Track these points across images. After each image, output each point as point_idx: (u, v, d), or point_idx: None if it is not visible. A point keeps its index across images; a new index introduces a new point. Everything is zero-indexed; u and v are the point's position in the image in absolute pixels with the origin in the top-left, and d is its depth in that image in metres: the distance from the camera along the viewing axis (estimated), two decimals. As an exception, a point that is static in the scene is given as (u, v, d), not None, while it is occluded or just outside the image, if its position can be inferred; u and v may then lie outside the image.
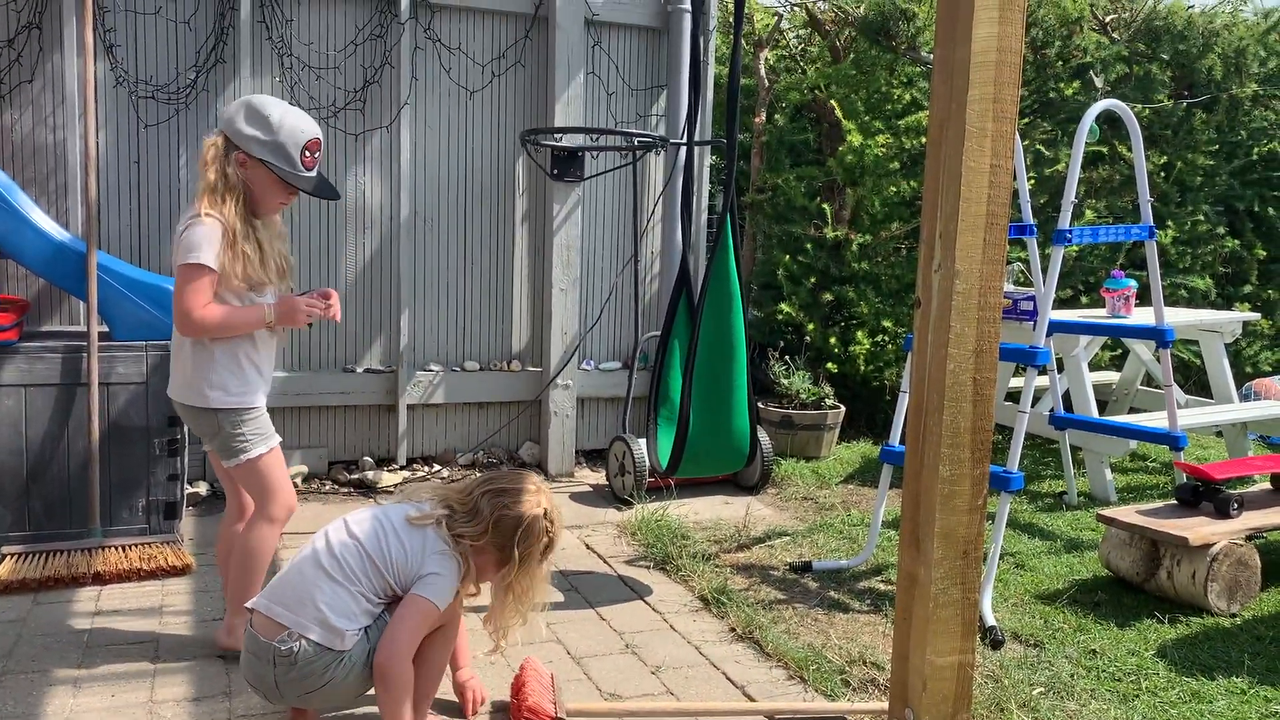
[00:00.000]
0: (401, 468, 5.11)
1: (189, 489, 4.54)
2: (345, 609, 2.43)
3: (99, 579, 3.60)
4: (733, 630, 3.40)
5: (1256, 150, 7.02)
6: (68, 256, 3.87)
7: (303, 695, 2.48)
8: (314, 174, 2.97)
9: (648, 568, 4.00)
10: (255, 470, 2.97)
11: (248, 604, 2.58)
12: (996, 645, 3.30)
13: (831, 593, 3.76)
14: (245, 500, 3.10)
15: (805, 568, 3.97)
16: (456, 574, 2.49)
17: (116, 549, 3.75)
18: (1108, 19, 6.67)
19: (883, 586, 3.83)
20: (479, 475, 2.70)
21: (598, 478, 5.25)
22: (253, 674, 2.50)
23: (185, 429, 4.05)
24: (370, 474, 4.92)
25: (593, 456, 5.56)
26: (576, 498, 4.92)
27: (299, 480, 4.88)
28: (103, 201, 4.55)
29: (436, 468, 5.17)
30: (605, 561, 4.06)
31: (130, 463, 3.87)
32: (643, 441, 4.75)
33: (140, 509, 3.89)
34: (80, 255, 3.86)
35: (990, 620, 3.43)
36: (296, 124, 2.89)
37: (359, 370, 5.04)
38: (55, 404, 3.77)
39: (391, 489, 4.87)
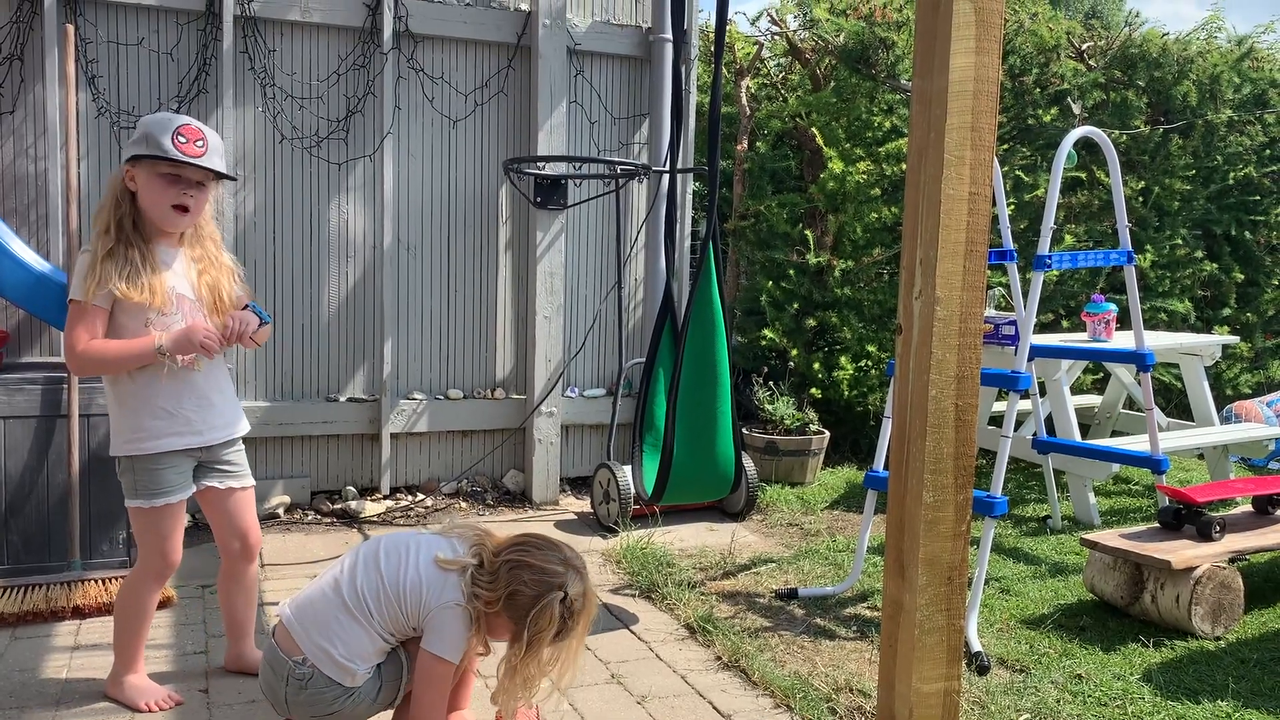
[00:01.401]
0: (385, 497, 5.08)
1: (170, 520, 4.49)
2: (360, 649, 2.44)
3: (78, 613, 3.56)
4: (719, 659, 3.39)
5: (1232, 175, 7.11)
6: (48, 287, 3.85)
7: (310, 717, 2.49)
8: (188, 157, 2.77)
9: (633, 596, 3.98)
10: (138, 520, 2.87)
11: (275, 610, 2.55)
12: (982, 671, 3.29)
13: (817, 620, 3.75)
14: (226, 541, 3.05)
15: (791, 595, 3.96)
16: (467, 629, 2.44)
17: (96, 582, 3.71)
18: (1084, 46, 6.75)
19: (869, 613, 3.83)
20: (522, 536, 2.54)
21: (582, 505, 5.23)
22: (267, 684, 2.54)
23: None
24: (353, 504, 4.89)
25: (577, 484, 5.55)
26: (561, 526, 4.90)
27: (281, 511, 4.85)
28: (84, 232, 4.53)
29: (420, 497, 5.15)
30: (590, 590, 4.04)
31: (111, 495, 3.83)
32: (628, 468, 4.74)
33: (120, 541, 3.85)
34: (61, 286, 3.84)
35: (976, 646, 3.42)
36: (164, 116, 2.81)
37: (342, 399, 5.03)
38: (35, 436, 3.73)
39: (375, 519, 4.84)
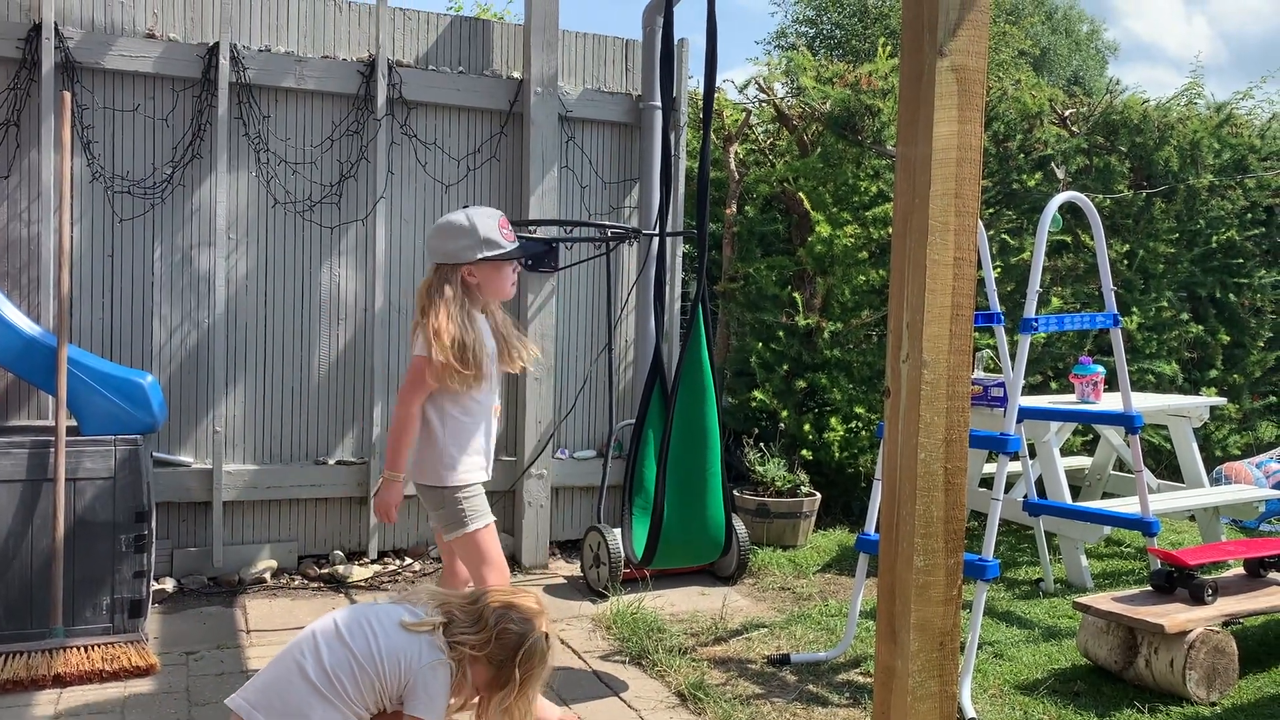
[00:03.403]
0: (373, 561, 5.04)
1: (155, 586, 4.45)
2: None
3: (59, 681, 3.50)
4: (710, 726, 3.34)
5: (1215, 238, 7.20)
6: (38, 351, 3.85)
7: None
8: (516, 244, 3.30)
9: (623, 663, 3.93)
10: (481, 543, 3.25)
11: (227, 701, 2.51)
12: (977, 738, 3.25)
13: (810, 686, 3.71)
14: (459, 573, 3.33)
15: (783, 660, 3.92)
16: (448, 684, 2.44)
17: (78, 649, 3.65)
18: (1067, 113, 6.88)
19: (862, 679, 3.79)
20: (483, 586, 2.69)
21: (572, 569, 5.19)
22: None
23: (154, 524, 4.00)
24: (341, 568, 4.84)
25: (567, 547, 5.51)
26: (551, 590, 4.86)
27: (268, 576, 4.80)
28: (76, 295, 4.55)
29: (408, 561, 5.10)
30: (580, 657, 3.99)
31: (95, 560, 3.79)
32: (618, 531, 4.71)
33: (104, 607, 3.80)
34: (50, 350, 3.85)
35: (970, 712, 3.38)
36: (482, 214, 3.25)
37: (330, 462, 5.00)
38: (20, 500, 3.70)
39: (363, 584, 4.79)
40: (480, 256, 3.20)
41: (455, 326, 3.10)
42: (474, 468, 3.27)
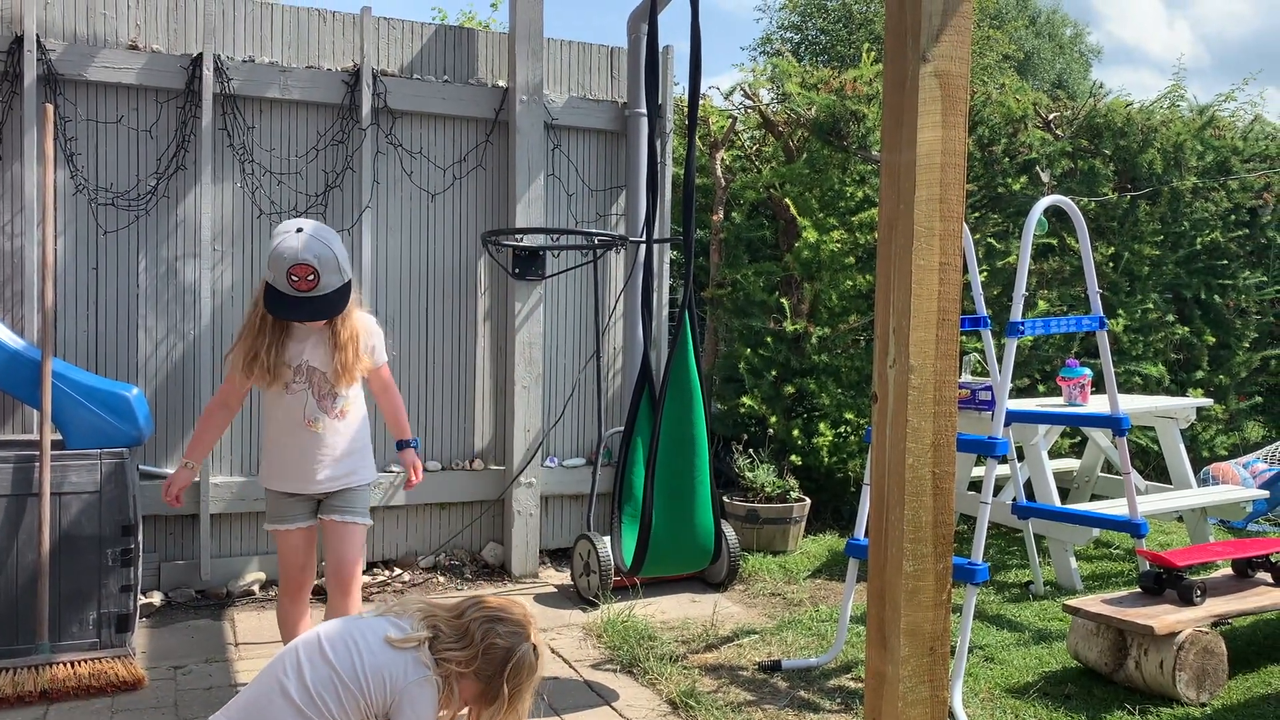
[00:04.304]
0: (362, 572, 5.01)
1: (142, 599, 4.42)
2: None
3: (46, 697, 3.48)
4: (702, 734, 3.33)
5: (1200, 240, 7.24)
6: (22, 364, 3.82)
7: None
8: (294, 294, 3.15)
9: (614, 671, 3.92)
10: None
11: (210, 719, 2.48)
12: (969, 742, 3.25)
13: (801, 692, 3.70)
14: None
15: (774, 667, 3.92)
16: (435, 701, 2.41)
17: (65, 665, 3.62)
18: (1051, 117, 6.91)
19: (853, 684, 3.78)
20: (470, 597, 2.62)
21: (563, 578, 5.18)
22: None
23: (141, 537, 3.97)
24: (330, 579, 4.81)
25: (557, 556, 5.49)
26: (541, 599, 4.84)
27: (256, 588, 4.77)
28: (60, 308, 4.52)
29: (398, 572, 5.08)
30: (571, 666, 3.98)
31: (81, 574, 3.76)
32: (608, 539, 4.70)
33: (91, 622, 3.77)
34: (35, 363, 3.82)
35: (962, 716, 3.38)
36: (286, 252, 3.12)
37: (319, 473, 4.97)
38: (5, 515, 3.67)
39: (352, 594, 4.76)
40: (266, 281, 3.21)
41: (249, 332, 3.26)
42: (271, 475, 3.37)
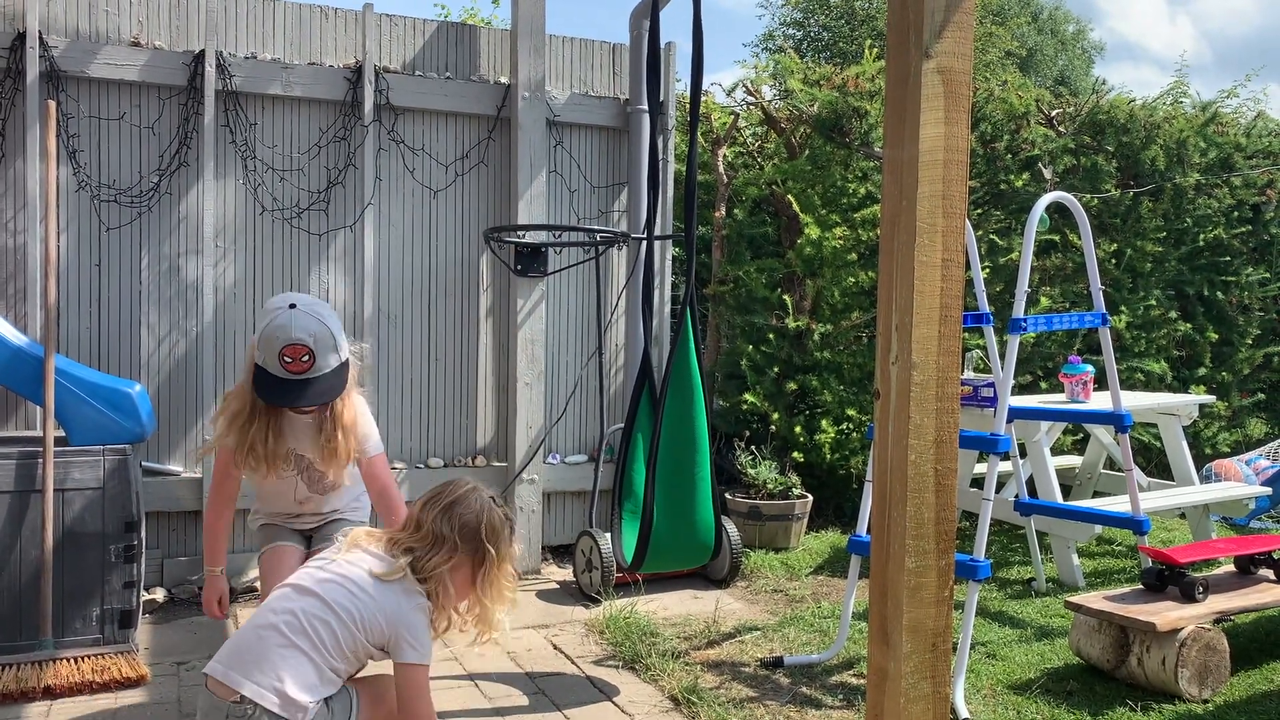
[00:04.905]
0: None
1: (146, 596, 4.43)
2: (307, 681, 2.36)
3: (49, 693, 3.48)
4: (704, 730, 3.33)
5: (1202, 237, 7.23)
6: (25, 361, 3.83)
7: None
8: (287, 376, 2.95)
9: (616, 667, 3.93)
10: None
11: (205, 670, 2.49)
12: (971, 738, 3.26)
13: (803, 688, 3.71)
14: None
15: (777, 663, 3.92)
16: (428, 625, 2.49)
17: (68, 661, 3.62)
18: (1053, 113, 6.90)
19: (855, 680, 3.78)
20: (413, 505, 2.63)
21: (565, 574, 5.18)
22: None
23: (144, 534, 3.98)
24: (333, 576, 4.82)
25: (560, 552, 5.50)
26: (543, 595, 4.85)
27: (259, 584, 4.77)
28: (62, 305, 4.53)
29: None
30: (573, 662, 3.98)
31: (85, 570, 3.77)
32: (610, 536, 4.70)
33: (94, 618, 3.78)
34: (37, 360, 3.82)
35: (964, 712, 3.38)
36: (270, 332, 2.94)
37: (322, 470, 4.98)
38: (8, 512, 3.68)
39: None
40: (256, 363, 3.00)
41: (240, 419, 3.07)
42: (259, 516, 3.40)
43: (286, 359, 2.91)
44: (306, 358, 2.93)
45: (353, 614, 2.41)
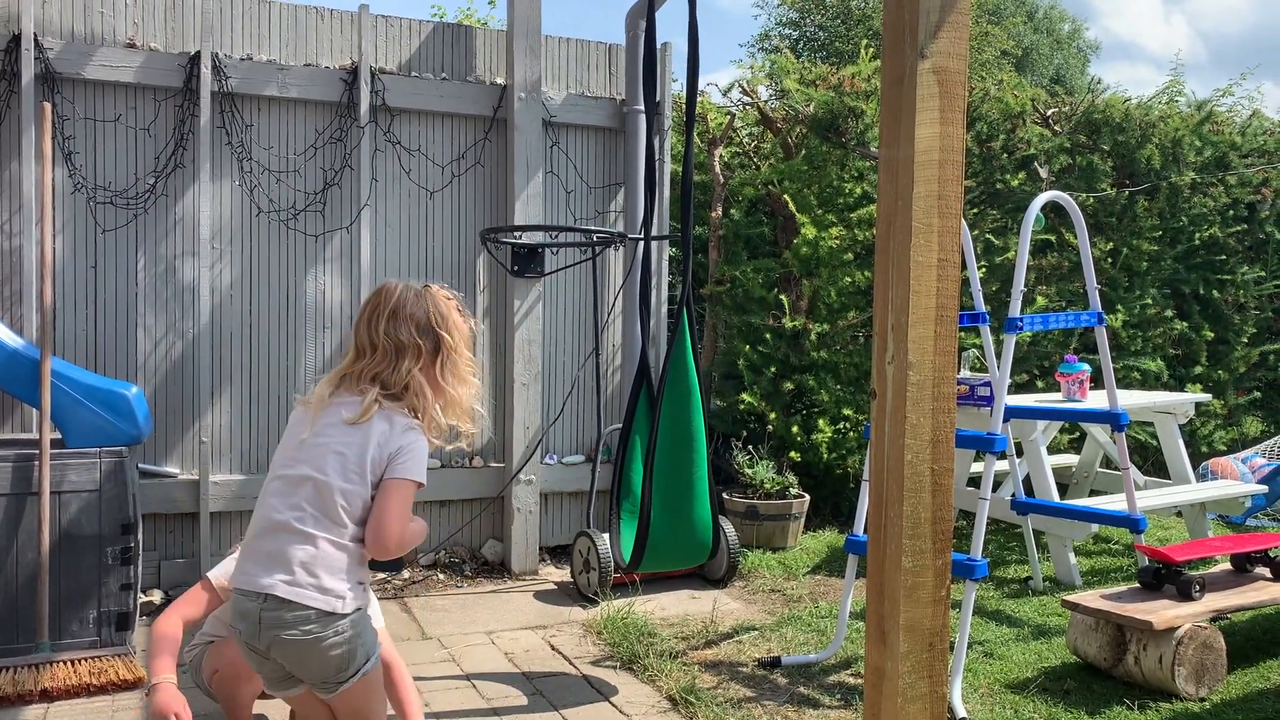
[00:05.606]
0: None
1: (143, 598, 4.43)
2: (337, 565, 2.34)
3: (46, 696, 3.48)
4: (702, 730, 3.34)
5: (1198, 235, 7.24)
6: (21, 363, 3.82)
7: (323, 678, 2.35)
8: None
9: (614, 668, 3.93)
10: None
11: (231, 583, 2.42)
12: (968, 737, 3.26)
13: (801, 688, 3.71)
14: None
15: (774, 663, 3.92)
16: (422, 441, 2.44)
17: (65, 663, 3.62)
18: (1049, 112, 6.91)
19: (852, 680, 3.79)
20: (358, 327, 2.52)
21: (562, 575, 5.18)
22: (247, 647, 2.39)
23: (140, 536, 3.97)
24: (330, 577, 4.82)
25: (557, 553, 5.50)
26: (541, 596, 4.85)
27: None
28: (58, 307, 4.52)
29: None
30: (570, 662, 3.98)
31: (81, 573, 3.77)
32: (607, 536, 4.70)
33: (91, 621, 3.77)
34: (33, 362, 3.82)
35: (961, 711, 3.39)
36: None
37: (319, 471, 4.98)
38: (4, 515, 3.68)
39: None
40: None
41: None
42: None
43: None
44: None
45: (351, 474, 2.36)
